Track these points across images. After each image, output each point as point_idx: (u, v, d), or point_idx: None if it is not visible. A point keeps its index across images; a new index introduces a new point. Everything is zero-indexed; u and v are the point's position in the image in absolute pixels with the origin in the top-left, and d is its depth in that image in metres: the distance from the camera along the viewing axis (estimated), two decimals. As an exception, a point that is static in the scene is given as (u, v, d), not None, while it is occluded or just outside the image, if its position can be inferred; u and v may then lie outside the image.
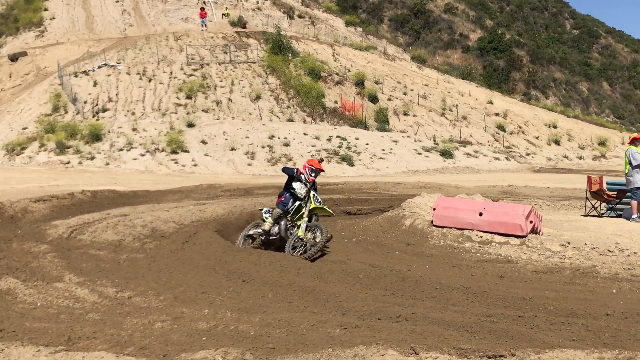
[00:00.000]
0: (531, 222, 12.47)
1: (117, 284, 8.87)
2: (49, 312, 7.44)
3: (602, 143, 56.66)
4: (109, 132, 37.87)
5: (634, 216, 15.23)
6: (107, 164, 33.62)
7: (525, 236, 12.30)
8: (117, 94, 44.08)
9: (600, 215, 16.76)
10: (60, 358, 5.52)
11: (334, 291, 8.13)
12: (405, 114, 49.95)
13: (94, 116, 40.93)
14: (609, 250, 11.53)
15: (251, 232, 12.51)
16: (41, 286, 8.68)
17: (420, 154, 40.47)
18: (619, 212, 16.57)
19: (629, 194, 15.73)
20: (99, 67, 47.86)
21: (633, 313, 6.86)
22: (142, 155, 34.88)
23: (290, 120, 43.07)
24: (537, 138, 54.31)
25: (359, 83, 51.88)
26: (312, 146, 37.93)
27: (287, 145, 37.38)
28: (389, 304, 7.40)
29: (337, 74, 53.04)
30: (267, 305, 7.75)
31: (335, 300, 7.71)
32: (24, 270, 9.63)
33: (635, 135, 16.49)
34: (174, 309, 7.55)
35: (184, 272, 9.74)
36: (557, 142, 54.37)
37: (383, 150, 39.42)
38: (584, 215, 16.83)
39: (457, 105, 54.73)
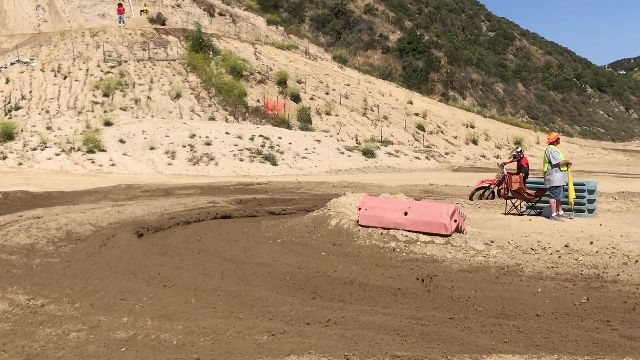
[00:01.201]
0: (455, 221, 12.51)
1: (29, 291, 8.33)
2: (-48, 323, 6.89)
3: (517, 142, 58.24)
4: (22, 130, 36.43)
5: (554, 214, 15.53)
6: (20, 163, 32.27)
7: (450, 235, 12.33)
8: (30, 92, 42.45)
9: (521, 214, 17.04)
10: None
11: (260, 295, 7.84)
12: (328, 113, 50.00)
13: (6, 114, 39.29)
14: (531, 249, 11.67)
15: None
16: (-56, 295, 8.07)
17: (342, 153, 40.56)
18: (538, 210, 16.87)
19: (547, 192, 16.03)
20: (12, 63, 45.99)
21: (562, 313, 6.86)
22: (57, 154, 33.64)
23: (212, 119, 42.44)
24: (455, 138, 55.33)
25: (282, 82, 51.65)
26: (235, 145, 37.46)
27: (209, 144, 36.78)
28: (317, 308, 7.17)
29: (259, 72, 52.64)
30: (190, 311, 7.40)
31: (262, 304, 7.42)
32: None
33: (555, 135, 16.81)
34: (90, 317, 7.11)
35: (102, 277, 9.26)
36: (474, 142, 55.56)
37: (306, 149, 39.31)
38: (505, 214, 17.06)
39: (378, 105, 55.19)
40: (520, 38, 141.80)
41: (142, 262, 10.22)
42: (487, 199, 20.82)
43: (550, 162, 15.92)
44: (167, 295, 8.24)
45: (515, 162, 18.00)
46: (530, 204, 17.15)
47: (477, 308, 7.11)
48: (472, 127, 59.70)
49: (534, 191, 16.96)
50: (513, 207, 17.24)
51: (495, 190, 20.33)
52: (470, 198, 20.89)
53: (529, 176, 17.77)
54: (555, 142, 16.23)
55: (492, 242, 12.12)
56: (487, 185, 20.97)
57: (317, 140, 41.45)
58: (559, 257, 11.12)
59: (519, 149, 18.41)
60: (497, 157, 51.36)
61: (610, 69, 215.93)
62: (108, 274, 9.48)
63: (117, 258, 10.63)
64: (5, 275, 9.39)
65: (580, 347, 5.93)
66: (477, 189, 21.33)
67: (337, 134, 45.67)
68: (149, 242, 12.50)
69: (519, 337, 6.11)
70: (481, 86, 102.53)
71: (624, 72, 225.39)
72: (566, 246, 11.74)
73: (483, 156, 50.75)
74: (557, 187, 15.75)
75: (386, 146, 44.73)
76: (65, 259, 10.77)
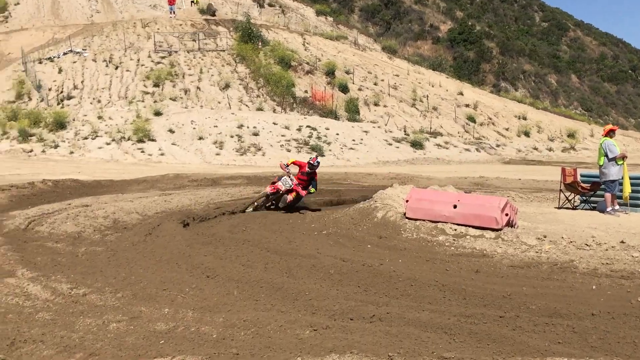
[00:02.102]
0: (507, 214, 12.13)
1: (72, 280, 8.30)
2: (-5, 311, 6.87)
3: (571, 135, 56.88)
4: (73, 120, 36.93)
5: (609, 209, 14.99)
6: (72, 152, 32.74)
7: (501, 229, 11.96)
8: (82, 81, 43.05)
9: (574, 208, 16.51)
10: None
11: (303, 288, 7.65)
12: (376, 104, 49.57)
13: (58, 104, 39.92)
14: (586, 244, 11.24)
15: None
16: (-10, 282, 8.08)
17: (390, 144, 40.16)
18: (592, 205, 16.32)
19: (603, 186, 15.48)
20: (64, 53, 46.71)
21: (619, 313, 6.50)
22: (108, 144, 34.04)
23: (260, 109, 42.45)
24: (507, 129, 54.34)
25: (330, 73, 51.39)
26: (282, 136, 37.38)
27: (256, 134, 36.78)
28: (361, 303, 6.94)
29: (308, 63, 52.46)
30: (232, 303, 7.26)
31: (305, 298, 7.23)
32: (-27, 265, 9.02)
33: (611, 126, 16.22)
34: (131, 308, 7.02)
35: (145, 266, 9.20)
36: (526, 134, 54.46)
37: (353, 140, 39.01)
38: (558, 208, 16.56)
39: (427, 96, 54.53)
40: (574, 29, 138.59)
41: (186, 252, 10.13)
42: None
43: (606, 155, 15.36)
44: (210, 286, 8.12)
45: (306, 170, 15.92)
46: (584, 198, 16.61)
47: (529, 306, 6.79)
48: (524, 118, 58.51)
49: (589, 185, 16.40)
50: (566, 200, 16.72)
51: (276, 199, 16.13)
52: (243, 210, 15.75)
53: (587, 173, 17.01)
54: (611, 134, 15.66)
55: (545, 237, 11.70)
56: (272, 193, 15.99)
57: (365, 131, 41.11)
58: (615, 253, 10.69)
59: (318, 159, 16.27)
60: (550, 149, 50.30)
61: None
62: (152, 264, 9.40)
63: (161, 247, 10.57)
64: (50, 263, 9.40)
65: (639, 350, 5.59)
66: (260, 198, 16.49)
67: (385, 125, 45.23)
68: (194, 231, 12.44)
69: (574, 338, 5.79)
70: (534, 77, 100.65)
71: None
72: (622, 242, 11.25)
73: (535, 149, 49.69)
74: (612, 181, 15.19)
75: (435, 138, 44.13)
76: (111, 248, 10.76)
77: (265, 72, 46.65)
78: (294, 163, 16.31)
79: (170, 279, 8.40)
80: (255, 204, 16.04)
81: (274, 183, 15.99)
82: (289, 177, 15.80)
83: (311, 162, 15.96)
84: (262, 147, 35.56)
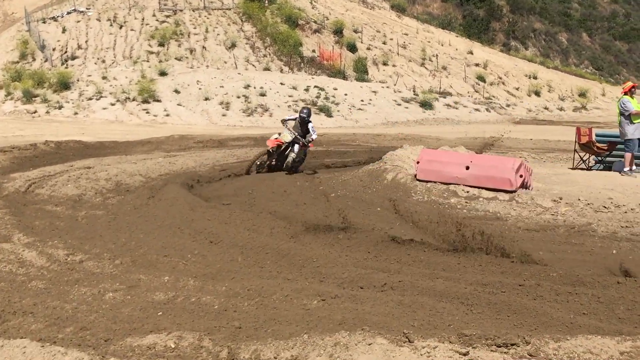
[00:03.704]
0: (521, 175, 11.73)
1: (69, 246, 7.97)
2: (-14, 279, 6.54)
3: (582, 94, 56.05)
4: (77, 80, 36.43)
5: (626, 169, 14.51)
6: (76, 113, 32.36)
7: (515, 191, 11.57)
8: (86, 41, 42.44)
9: (589, 169, 16.09)
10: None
11: (310, 254, 7.26)
12: (385, 63, 48.84)
13: (62, 64, 39.41)
14: (604, 207, 10.85)
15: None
16: (-16, 248, 7.75)
17: (399, 104, 39.59)
18: (607, 165, 15.87)
19: (620, 145, 15.00)
20: (68, 13, 45.99)
21: (647, 281, 6.11)
22: (112, 104, 33.60)
23: (267, 69, 41.86)
24: (517, 89, 53.59)
25: (338, 32, 50.56)
26: (289, 96, 36.86)
27: (263, 95, 36.25)
28: (372, 270, 6.57)
29: (315, 22, 51.60)
30: (235, 270, 6.90)
31: (312, 265, 6.86)
32: (-32, 230, 8.70)
33: (631, 84, 15.66)
34: (129, 276, 6.67)
35: (146, 231, 8.84)
36: (537, 93, 53.68)
37: (362, 101, 38.46)
38: (572, 169, 16.15)
39: (437, 55, 53.68)
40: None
41: (190, 216, 9.77)
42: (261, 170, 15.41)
43: (622, 114, 14.87)
44: (213, 252, 7.77)
45: (299, 124, 15.27)
46: (599, 158, 16.16)
47: (550, 273, 6.40)
48: (535, 78, 57.62)
49: (605, 145, 15.92)
50: (581, 161, 16.28)
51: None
52: (247, 172, 15.24)
53: None
54: (630, 91, 15.13)
55: (561, 199, 11.32)
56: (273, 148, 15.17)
57: (374, 92, 40.50)
58: (634, 216, 10.29)
59: (305, 111, 15.49)
60: (561, 109, 49.60)
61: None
62: (153, 228, 9.05)
63: (164, 211, 10.23)
64: (48, 228, 9.08)
65: (670, 321, 5.23)
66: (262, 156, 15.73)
67: (394, 85, 44.58)
68: (198, 194, 12.09)
69: (599, 309, 5.42)
70: (544, 36, 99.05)
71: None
72: (642, 204, 10.85)
73: (546, 108, 49.00)
74: (630, 139, 14.70)
75: (445, 97, 43.47)
76: (112, 212, 10.44)
77: (272, 31, 45.88)
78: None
79: (171, 245, 8.06)
80: (258, 162, 15.50)
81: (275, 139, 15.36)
82: (289, 130, 15.27)
83: (301, 114, 15.43)
84: (269, 107, 35.07)
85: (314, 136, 15.35)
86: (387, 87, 43.14)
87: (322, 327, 4.77)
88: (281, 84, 38.30)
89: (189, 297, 5.86)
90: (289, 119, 15.67)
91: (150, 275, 6.68)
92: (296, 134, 15.08)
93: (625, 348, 3.71)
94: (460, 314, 5.18)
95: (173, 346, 4.44)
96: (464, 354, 3.88)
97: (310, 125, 15.28)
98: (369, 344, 4.04)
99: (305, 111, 15.49)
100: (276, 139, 15.13)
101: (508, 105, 46.91)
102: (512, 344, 3.83)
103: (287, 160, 15.04)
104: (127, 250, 7.85)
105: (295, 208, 10.78)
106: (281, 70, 42.32)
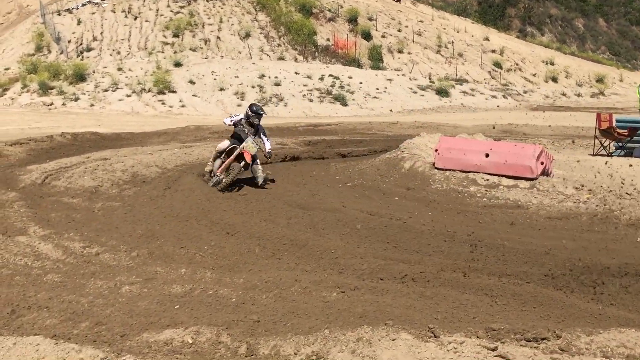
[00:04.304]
0: (542, 163, 11.53)
1: (86, 238, 7.89)
2: (2, 273, 6.46)
3: (599, 80, 55.40)
4: (93, 72, 36.37)
5: (648, 155, 14.31)
6: (92, 105, 32.33)
7: (536, 179, 11.36)
8: (101, 33, 42.44)
9: (610, 155, 15.81)
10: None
11: (329, 245, 7.13)
12: (400, 51, 48.47)
13: (78, 56, 39.43)
14: (627, 193, 10.63)
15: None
16: (0, 240, 7.69)
17: (415, 92, 39.26)
18: (629, 151, 15.60)
19: (642, 132, 14.76)
20: (83, 4, 45.99)
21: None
22: (128, 96, 33.52)
23: (281, 58, 41.65)
24: (534, 75, 53.06)
25: (352, 19, 50.22)
26: (304, 85, 36.64)
27: (278, 85, 36.04)
28: (392, 261, 6.43)
29: (329, 10, 51.28)
30: (253, 262, 6.79)
31: (331, 256, 6.72)
32: (-16, 222, 8.64)
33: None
34: (146, 268, 6.58)
35: (163, 223, 8.76)
36: (554, 80, 53.12)
37: (377, 89, 38.16)
38: (592, 155, 15.88)
39: (452, 42, 53.23)
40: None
41: (206, 207, 9.68)
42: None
43: (643, 99, 14.64)
44: (230, 243, 7.66)
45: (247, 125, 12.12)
46: (620, 144, 15.88)
47: (575, 263, 6.23)
48: (552, 64, 57.04)
49: (625, 130, 15.65)
50: (601, 147, 16.02)
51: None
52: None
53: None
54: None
55: (583, 186, 11.10)
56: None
57: (389, 80, 40.19)
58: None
59: (255, 108, 12.35)
60: (579, 95, 49.04)
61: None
62: (170, 220, 8.97)
63: (180, 202, 10.13)
64: (64, 220, 9.00)
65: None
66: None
67: (410, 72, 44.23)
68: (215, 185, 11.96)
69: (627, 299, 5.26)
70: (560, 22, 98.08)
71: None
72: (666, 190, 10.63)
73: (563, 94, 48.46)
74: (650, 125, 14.47)
75: (461, 85, 43.07)
76: (128, 203, 10.36)
77: (286, 21, 45.65)
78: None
79: (188, 236, 7.97)
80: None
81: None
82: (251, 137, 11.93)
83: (253, 111, 12.19)
84: (284, 97, 34.86)
85: (268, 145, 12.12)
86: (403, 74, 42.81)
87: (343, 320, 4.65)
88: (296, 73, 38.07)
89: (207, 289, 5.76)
90: (235, 120, 12.35)
91: (167, 267, 6.60)
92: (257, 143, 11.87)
93: (661, 341, 3.56)
94: (484, 306, 5.04)
95: (190, 341, 4.33)
96: (492, 349, 3.74)
97: (261, 129, 12.30)
98: (393, 340, 3.90)
99: (255, 108, 12.28)
100: (244, 149, 11.49)
101: (525, 92, 46.41)
102: (543, 338, 3.68)
103: (256, 177, 11.69)
104: (143, 242, 7.77)
105: (311, 198, 10.64)
106: (295, 60, 42.11)
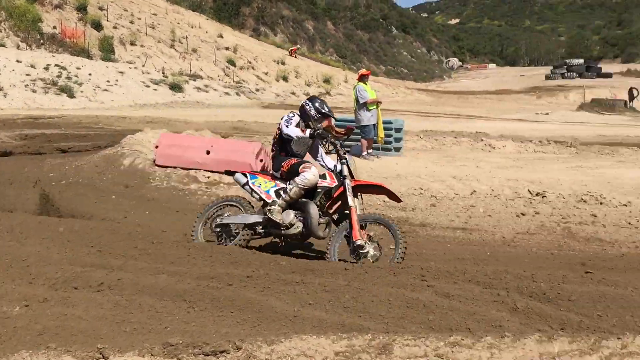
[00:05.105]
0: (261, 160, 11.68)
1: None
2: None
3: (327, 80, 58.69)
4: None
5: (364, 153, 15.18)
6: None
7: (256, 176, 11.45)
8: None
9: (328, 153, 16.54)
10: None
11: (22, 252, 6.38)
12: (133, 43, 47.10)
13: None
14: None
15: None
16: None
17: (148, 86, 38.38)
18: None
19: (357, 130, 15.60)
20: None
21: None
22: None
23: (2, 45, 38.31)
24: (266, 74, 54.61)
25: (81, 8, 47.73)
26: (27, 75, 33.98)
27: (-4, 73, 33.09)
28: (90, 267, 5.90)
29: (56, -4, 48.31)
30: None
31: (22, 264, 6.01)
32: None
33: (363, 71, 16.39)
34: None
35: None
36: (285, 79, 55.16)
37: (108, 81, 36.65)
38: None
39: (187, 37, 52.96)
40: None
41: None
42: None
43: (357, 101, 15.53)
44: None
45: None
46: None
47: (279, 262, 6.23)
48: (283, 63, 59.23)
49: (343, 129, 16.42)
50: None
51: None
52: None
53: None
54: (363, 78, 15.81)
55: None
56: None
57: (121, 72, 38.82)
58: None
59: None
60: (307, 94, 51.32)
61: (414, 11, 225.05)
62: None
63: None
64: None
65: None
66: None
67: (143, 66, 43.13)
68: None
69: (325, 298, 5.31)
70: (292, 23, 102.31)
71: (427, 15, 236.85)
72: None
73: (293, 93, 50.47)
74: (365, 126, 15.36)
75: (195, 80, 42.97)
76: None
77: (7, 5, 42.04)
78: None
79: None
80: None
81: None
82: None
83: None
84: (3, 87, 32.04)
85: None
86: (135, 67, 41.61)
87: (17, 340, 4.12)
88: (17, 61, 35.17)
89: None
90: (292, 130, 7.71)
91: None
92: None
93: (340, 348, 3.54)
94: (181, 313, 4.78)
95: None
96: (166, 368, 3.47)
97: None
98: (49, 364, 3.47)
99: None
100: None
101: (257, 90, 47.59)
102: (222, 351, 3.47)
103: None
104: None
105: (16, 199, 9.71)
106: (18, 47, 38.98)
